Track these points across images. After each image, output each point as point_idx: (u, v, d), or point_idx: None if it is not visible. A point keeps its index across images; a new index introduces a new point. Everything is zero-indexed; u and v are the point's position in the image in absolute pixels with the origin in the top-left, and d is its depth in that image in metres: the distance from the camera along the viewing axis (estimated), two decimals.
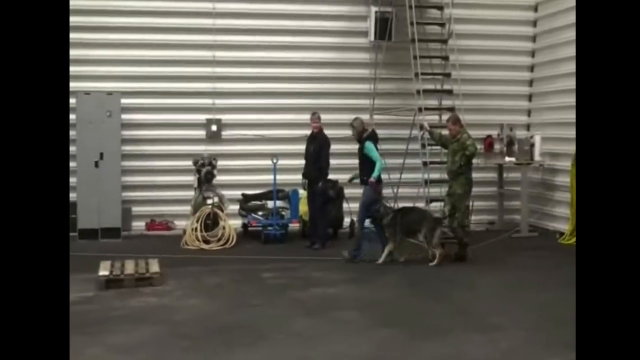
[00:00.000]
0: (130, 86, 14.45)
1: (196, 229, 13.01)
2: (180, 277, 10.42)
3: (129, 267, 10.22)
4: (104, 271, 9.96)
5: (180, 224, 14.25)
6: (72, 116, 13.81)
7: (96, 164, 13.75)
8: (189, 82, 14.80)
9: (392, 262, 11.56)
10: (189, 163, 13.93)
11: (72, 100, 13.79)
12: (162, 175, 14.65)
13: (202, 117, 14.83)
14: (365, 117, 14.84)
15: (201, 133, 14.85)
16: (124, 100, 14.14)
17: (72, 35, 14.10)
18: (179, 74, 14.75)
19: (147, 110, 14.66)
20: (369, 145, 12.04)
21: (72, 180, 13.82)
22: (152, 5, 14.68)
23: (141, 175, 14.60)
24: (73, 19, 14.07)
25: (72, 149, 13.83)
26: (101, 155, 13.79)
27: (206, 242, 12.99)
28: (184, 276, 10.54)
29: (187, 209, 13.76)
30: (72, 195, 13.83)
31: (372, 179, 11.79)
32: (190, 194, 13.90)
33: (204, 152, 14.26)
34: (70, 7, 14.04)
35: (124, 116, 14.22)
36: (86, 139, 13.74)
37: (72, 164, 13.82)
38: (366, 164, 12.01)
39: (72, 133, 13.83)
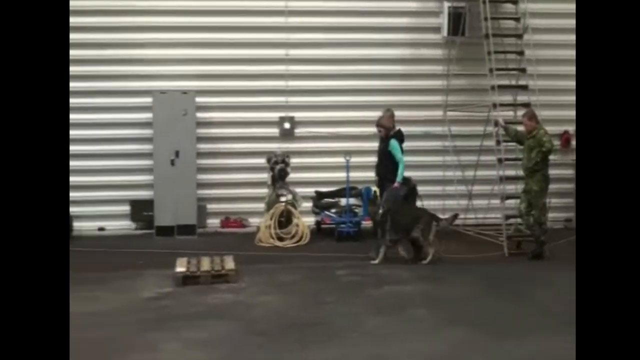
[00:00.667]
0: (205, 85, 14.63)
1: (270, 226, 13.11)
2: (254, 274, 10.51)
3: (205, 264, 10.37)
4: (180, 268, 10.12)
5: (254, 221, 14.37)
6: (148, 115, 14.16)
7: (172, 162, 13.96)
8: (263, 81, 14.90)
9: (462, 260, 11.44)
10: (262, 161, 14.04)
11: (148, 100, 14.15)
12: (236, 173, 14.80)
13: (275, 115, 14.93)
14: (438, 113, 14.80)
15: (274, 131, 14.95)
16: (199, 99, 14.34)
17: (148, 36, 14.59)
18: (252, 72, 14.87)
19: (222, 108, 14.82)
20: (394, 143, 12.12)
21: (149, 178, 14.18)
22: (226, 4, 14.83)
23: (216, 173, 14.79)
24: (149, 20, 14.55)
25: (149, 147, 14.19)
26: (177, 153, 13.99)
27: (280, 239, 13.08)
28: (258, 273, 10.63)
29: (261, 206, 13.87)
30: (149, 193, 14.17)
31: (396, 184, 11.96)
32: (264, 191, 14.01)
33: (278, 149, 14.34)
34: (147, 9, 14.51)
35: (199, 114, 14.43)
36: (162, 138, 13.97)
37: (148, 162, 14.21)
38: (390, 162, 12.06)
39: (148, 132, 14.19)
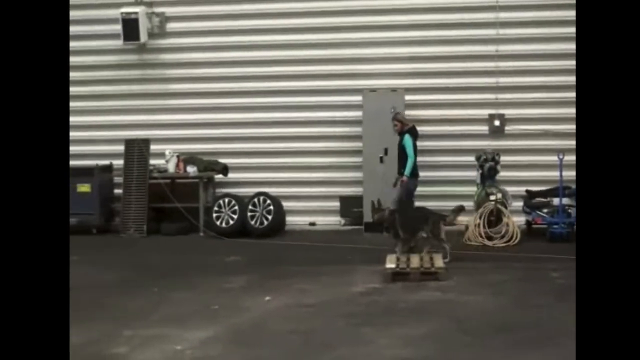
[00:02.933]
0: (414, 82, 14.68)
1: (479, 225, 12.93)
2: (463, 273, 10.41)
3: (415, 261, 10.42)
4: (390, 264, 10.23)
5: (462, 219, 14.20)
6: (358, 113, 14.44)
7: (381, 160, 14.12)
8: (472, 77, 14.70)
9: None
10: (471, 158, 13.86)
11: (358, 98, 14.42)
12: (445, 171, 14.71)
13: (484, 112, 14.67)
14: None
15: (484, 128, 14.69)
16: (408, 97, 14.41)
17: (359, 35, 14.89)
18: (461, 69, 14.72)
19: (430, 106, 14.79)
20: (407, 139, 12.67)
21: (359, 175, 14.44)
22: (436, 1, 14.78)
23: (423, 170, 14.70)
24: (360, 19, 14.87)
25: (359, 144, 14.46)
26: (386, 150, 14.11)
27: (489, 238, 12.87)
28: (467, 272, 10.52)
29: (469, 204, 13.69)
30: (359, 190, 14.43)
31: (404, 178, 12.49)
32: (472, 189, 13.82)
33: (487, 147, 14.11)
34: (358, 8, 14.83)
35: (408, 112, 14.47)
36: (372, 135, 14.17)
37: (358, 159, 14.48)
38: (403, 158, 12.64)
39: (358, 129, 14.46)
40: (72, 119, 15.36)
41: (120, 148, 14.94)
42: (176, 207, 14.41)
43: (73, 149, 15.16)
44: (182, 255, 12.56)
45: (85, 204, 14.51)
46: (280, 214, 14.40)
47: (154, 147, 14.90)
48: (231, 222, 14.21)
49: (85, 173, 14.64)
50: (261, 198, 14.30)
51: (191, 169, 14.65)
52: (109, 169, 15.18)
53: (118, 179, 15.11)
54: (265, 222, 14.13)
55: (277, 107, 15.13)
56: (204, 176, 14.72)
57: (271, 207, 14.20)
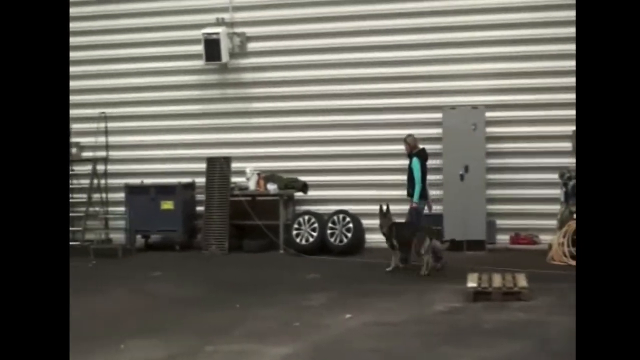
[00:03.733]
0: (495, 99, 14.51)
1: (563, 244, 12.65)
2: (547, 293, 10.16)
3: (497, 280, 10.24)
4: (472, 283, 10.09)
5: (545, 238, 13.96)
6: (438, 130, 14.35)
7: (461, 177, 13.99)
8: (554, 94, 14.42)
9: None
10: (554, 176, 13.62)
11: (438, 115, 14.34)
12: (527, 189, 14.47)
13: (568, 129, 14.37)
14: None
15: (567, 145, 14.39)
16: (488, 114, 14.25)
17: (438, 52, 14.80)
18: (543, 85, 14.47)
19: (512, 123, 14.58)
20: (415, 162, 12.79)
21: (439, 192, 14.30)
22: (512, 17, 14.55)
23: (506, 188, 14.57)
24: (438, 36, 14.77)
25: (438, 162, 14.33)
26: (466, 168, 14.00)
27: (574, 258, 12.57)
28: (551, 292, 10.27)
29: (552, 223, 13.45)
30: (438, 208, 14.28)
31: (413, 204, 12.71)
32: (556, 207, 13.56)
33: (571, 164, 13.83)
34: (433, 26, 14.80)
35: (489, 129, 14.32)
36: (452, 153, 14.07)
37: (438, 177, 14.34)
38: (412, 180, 12.79)
39: (438, 147, 14.34)
40: (156, 138, 16.00)
41: (202, 166, 15.20)
42: (257, 224, 14.56)
43: (157, 166, 15.81)
44: (262, 272, 12.66)
45: (168, 221, 14.85)
46: (359, 231, 14.39)
47: (234, 165, 15.12)
48: (311, 239, 14.28)
49: (169, 191, 15.01)
50: (340, 216, 14.33)
51: (271, 187, 14.79)
52: (191, 186, 15.46)
53: (200, 197, 15.36)
54: (345, 240, 14.16)
55: (357, 124, 15.17)
56: (284, 194, 14.83)
57: (350, 225, 14.23)
